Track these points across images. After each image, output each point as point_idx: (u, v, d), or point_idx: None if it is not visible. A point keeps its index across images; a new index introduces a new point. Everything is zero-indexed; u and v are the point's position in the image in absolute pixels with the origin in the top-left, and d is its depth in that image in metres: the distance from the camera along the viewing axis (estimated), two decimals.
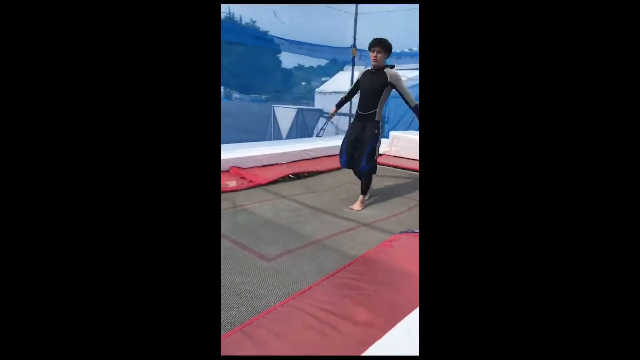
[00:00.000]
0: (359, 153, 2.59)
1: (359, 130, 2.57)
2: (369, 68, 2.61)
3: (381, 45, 2.45)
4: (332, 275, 1.61)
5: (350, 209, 2.63)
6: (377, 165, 2.75)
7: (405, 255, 1.80)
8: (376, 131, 2.50)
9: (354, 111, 6.10)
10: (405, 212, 2.67)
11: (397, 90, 2.49)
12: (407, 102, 2.50)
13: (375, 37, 2.50)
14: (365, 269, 1.66)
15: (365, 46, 5.22)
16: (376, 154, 2.59)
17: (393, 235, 2.10)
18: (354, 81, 2.75)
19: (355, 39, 5.36)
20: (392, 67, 2.55)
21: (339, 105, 2.88)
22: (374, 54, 2.46)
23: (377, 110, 2.51)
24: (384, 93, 2.48)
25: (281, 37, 5.05)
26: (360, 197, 2.68)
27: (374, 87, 2.49)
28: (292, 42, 5.15)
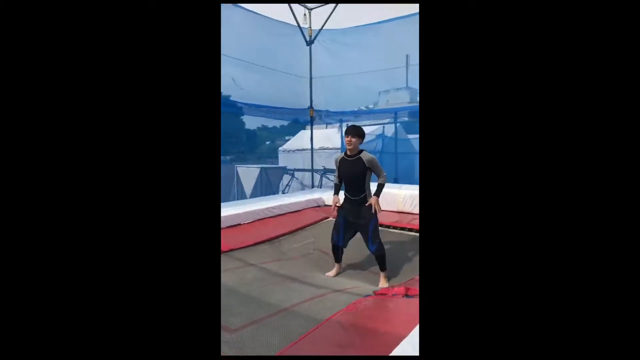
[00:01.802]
0: (364, 237, 2.62)
1: (356, 216, 2.60)
2: (344, 153, 2.66)
3: (355, 131, 2.55)
4: (296, 342, 1.54)
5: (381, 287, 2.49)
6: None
7: (370, 315, 1.77)
8: (372, 211, 2.51)
9: (316, 166, 6.28)
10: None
11: (373, 171, 2.57)
12: (378, 177, 2.60)
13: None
14: (329, 333, 1.61)
15: (321, 107, 5.52)
16: (377, 230, 2.61)
17: (359, 298, 2.07)
18: (335, 165, 2.73)
19: (311, 101, 5.68)
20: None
21: (336, 192, 2.80)
22: (349, 139, 2.53)
23: (366, 192, 2.58)
24: (366, 176, 2.57)
25: (243, 101, 5.23)
26: (382, 273, 2.62)
27: (356, 174, 2.56)
28: (252, 105, 5.34)
